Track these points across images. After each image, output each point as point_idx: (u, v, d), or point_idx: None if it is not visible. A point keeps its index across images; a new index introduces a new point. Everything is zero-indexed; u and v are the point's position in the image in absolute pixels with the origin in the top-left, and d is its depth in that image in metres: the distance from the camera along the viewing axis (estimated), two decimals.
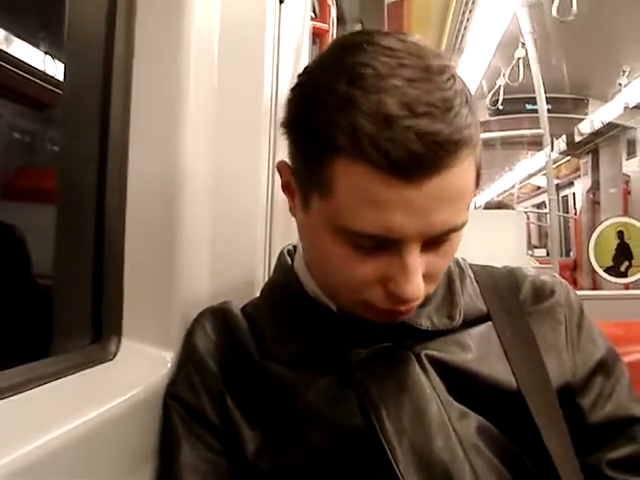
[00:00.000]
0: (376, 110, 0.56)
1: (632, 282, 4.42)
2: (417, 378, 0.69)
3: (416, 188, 0.57)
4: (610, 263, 4.33)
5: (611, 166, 8.17)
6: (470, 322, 0.75)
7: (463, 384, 0.71)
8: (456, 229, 0.63)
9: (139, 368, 0.77)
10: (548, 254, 6.68)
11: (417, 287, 0.62)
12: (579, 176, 9.58)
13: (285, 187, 0.72)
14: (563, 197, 11.30)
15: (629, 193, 7.71)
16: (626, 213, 6.87)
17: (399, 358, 0.71)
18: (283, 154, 0.74)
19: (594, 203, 8.53)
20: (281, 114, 0.69)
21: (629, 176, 7.75)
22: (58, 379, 0.67)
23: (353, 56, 0.60)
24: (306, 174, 0.65)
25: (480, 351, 0.73)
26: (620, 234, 4.41)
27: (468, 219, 0.63)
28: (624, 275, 4.39)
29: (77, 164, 0.82)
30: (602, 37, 5.46)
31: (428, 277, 0.64)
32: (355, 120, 0.57)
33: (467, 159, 0.60)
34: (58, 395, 0.66)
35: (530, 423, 0.70)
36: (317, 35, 1.67)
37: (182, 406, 0.73)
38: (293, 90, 0.67)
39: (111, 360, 0.77)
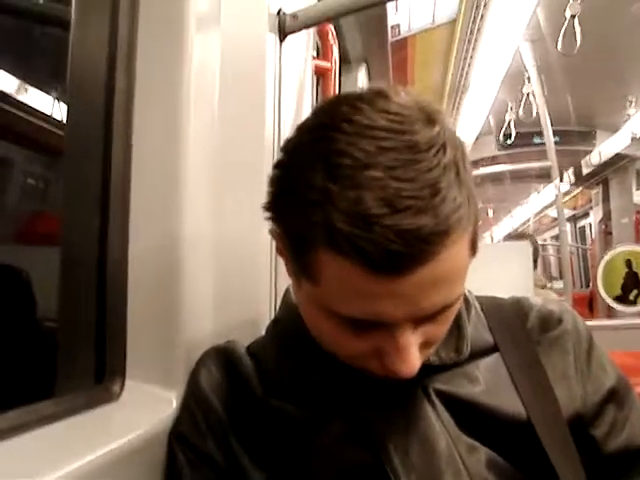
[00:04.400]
0: (354, 209, 0.53)
1: None
2: (425, 413, 0.68)
3: (402, 279, 0.54)
4: (619, 292, 4.27)
5: (621, 196, 8.17)
6: (478, 354, 0.74)
7: (472, 417, 0.69)
8: (451, 304, 0.61)
9: (143, 409, 0.76)
10: None
11: (412, 365, 0.60)
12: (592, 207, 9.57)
13: (279, 252, 0.68)
14: (580, 228, 11.20)
15: None
16: (638, 242, 6.82)
17: (407, 393, 0.70)
18: None
19: (606, 234, 8.49)
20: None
21: None
22: (61, 420, 0.67)
23: (330, 142, 0.56)
24: (293, 257, 0.63)
25: (489, 383, 0.71)
26: (628, 263, 4.35)
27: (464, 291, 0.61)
28: (633, 304, 4.32)
29: (79, 210, 0.83)
30: (606, 69, 5.50)
31: (426, 344, 0.63)
32: (332, 218, 0.54)
33: (458, 241, 0.56)
34: (61, 436, 0.65)
35: (541, 454, 0.68)
36: (320, 74, 1.69)
37: (187, 447, 0.72)
38: (274, 170, 0.63)
39: (115, 401, 0.76)
